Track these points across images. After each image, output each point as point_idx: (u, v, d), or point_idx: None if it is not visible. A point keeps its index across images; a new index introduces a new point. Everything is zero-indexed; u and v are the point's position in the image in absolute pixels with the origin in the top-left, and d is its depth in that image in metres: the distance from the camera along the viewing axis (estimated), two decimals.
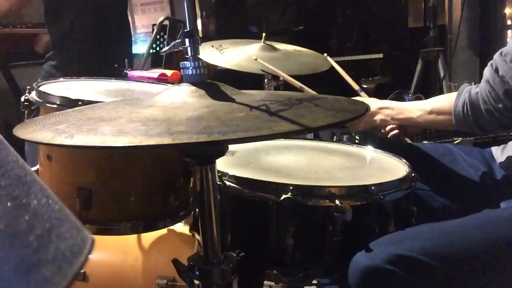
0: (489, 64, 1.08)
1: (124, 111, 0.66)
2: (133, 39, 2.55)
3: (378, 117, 1.29)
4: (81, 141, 0.54)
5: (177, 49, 0.74)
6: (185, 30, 0.72)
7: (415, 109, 1.25)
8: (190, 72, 0.72)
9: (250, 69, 1.54)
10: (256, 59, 1.53)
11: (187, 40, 0.72)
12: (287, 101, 0.67)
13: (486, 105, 1.07)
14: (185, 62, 0.72)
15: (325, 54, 1.71)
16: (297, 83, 1.45)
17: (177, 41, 0.73)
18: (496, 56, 1.06)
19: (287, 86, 1.74)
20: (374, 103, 1.30)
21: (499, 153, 1.22)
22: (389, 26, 3.50)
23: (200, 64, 0.72)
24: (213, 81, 0.73)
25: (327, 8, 3.73)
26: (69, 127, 0.59)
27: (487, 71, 1.08)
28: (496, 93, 1.04)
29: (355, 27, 3.64)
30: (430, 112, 1.20)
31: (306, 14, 3.73)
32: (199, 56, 0.72)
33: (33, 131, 0.61)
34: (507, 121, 1.07)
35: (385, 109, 1.28)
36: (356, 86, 1.53)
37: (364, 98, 1.41)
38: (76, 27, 2.07)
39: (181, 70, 0.72)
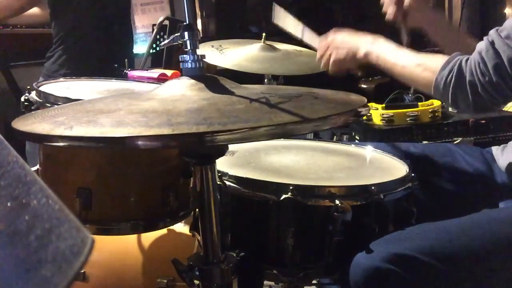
0: (485, 37, 1.05)
1: (123, 103, 0.65)
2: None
3: (365, 48, 1.22)
4: (81, 132, 0.54)
5: (177, 43, 0.73)
6: (184, 24, 0.71)
7: (404, 56, 1.17)
8: (189, 66, 0.71)
9: (250, 69, 1.54)
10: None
11: (186, 34, 0.71)
12: (287, 94, 0.67)
13: (472, 76, 1.03)
14: (184, 56, 0.72)
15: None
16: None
17: (176, 34, 0.73)
18: (492, 31, 1.03)
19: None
20: (365, 36, 1.23)
21: (500, 153, 1.22)
22: (389, 26, 3.49)
23: (199, 58, 0.72)
24: (213, 75, 0.72)
25: (327, 8, 3.73)
26: (68, 119, 0.59)
27: (482, 43, 1.04)
28: (485, 65, 1.01)
29: (355, 27, 3.63)
30: (418, 65, 1.13)
31: (306, 14, 3.73)
32: (198, 49, 0.72)
33: (32, 124, 0.60)
34: (487, 98, 1.02)
35: (374, 45, 1.22)
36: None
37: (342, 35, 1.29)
38: (80, 23, 2.08)
39: (180, 64, 0.72)
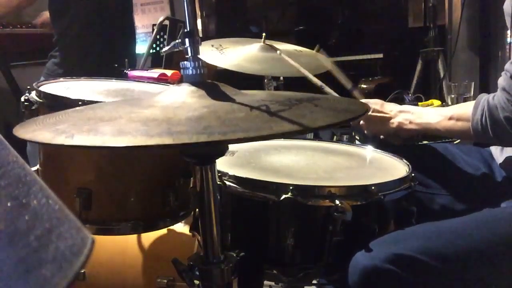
0: (502, 73, 1.06)
1: (124, 111, 0.66)
2: None
3: (396, 120, 1.25)
4: (82, 141, 0.54)
5: (177, 49, 0.74)
6: (185, 30, 0.72)
7: (435, 114, 1.21)
8: (190, 72, 0.71)
9: (250, 70, 1.54)
10: (280, 53, 1.51)
11: (187, 40, 0.72)
12: (287, 101, 0.67)
13: (505, 112, 1.03)
14: (185, 62, 0.72)
15: (318, 46, 1.62)
16: (318, 82, 1.42)
17: (177, 41, 0.73)
18: (508, 65, 1.05)
19: (288, 87, 1.74)
20: (393, 107, 1.28)
21: (499, 152, 1.22)
22: (389, 26, 3.50)
23: (200, 64, 0.72)
24: (213, 81, 0.73)
25: (327, 8, 3.73)
26: (69, 127, 0.59)
27: (502, 80, 1.05)
28: None
29: (355, 27, 3.64)
30: (450, 118, 1.17)
31: (306, 14, 3.73)
32: (199, 56, 0.72)
33: (33, 131, 0.61)
34: None
35: (405, 113, 1.25)
36: (349, 84, 1.50)
37: (378, 101, 1.34)
38: (76, 23, 2.08)
39: (181, 70, 0.72)
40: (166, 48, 0.77)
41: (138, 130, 0.56)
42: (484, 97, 1.10)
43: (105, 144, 0.53)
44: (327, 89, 1.35)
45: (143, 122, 0.59)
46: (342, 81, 1.50)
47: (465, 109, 1.14)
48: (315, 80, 1.40)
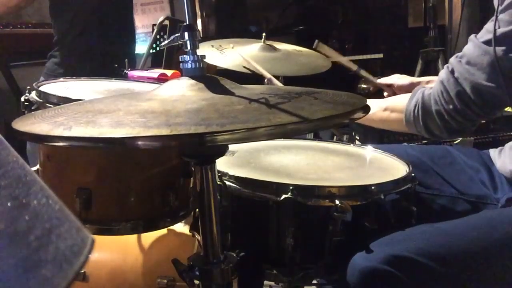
0: (445, 66, 1.09)
1: (122, 104, 0.66)
2: None
3: None
4: (79, 133, 0.54)
5: (177, 43, 0.73)
6: (184, 24, 0.71)
7: (371, 105, 1.24)
8: (190, 66, 0.71)
9: (249, 71, 1.54)
10: (232, 46, 1.52)
11: (186, 34, 0.71)
12: (287, 95, 0.67)
13: (437, 105, 1.06)
14: (184, 56, 0.72)
15: (316, 41, 1.66)
16: (268, 75, 1.43)
17: (176, 35, 0.73)
18: (452, 58, 1.08)
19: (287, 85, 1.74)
20: None
21: (497, 155, 1.22)
22: (389, 26, 3.50)
23: (200, 58, 0.72)
24: (212, 75, 0.72)
25: (327, 8, 3.72)
26: (67, 120, 0.59)
27: (443, 72, 1.08)
28: (448, 94, 1.05)
29: (355, 27, 3.63)
30: (385, 109, 1.20)
31: (306, 14, 3.72)
32: (198, 49, 0.72)
33: (32, 124, 0.60)
34: (455, 124, 1.07)
35: None
36: (354, 66, 1.52)
37: None
38: (77, 23, 2.08)
39: (180, 64, 0.72)
40: (166, 42, 0.77)
41: (136, 122, 0.55)
42: (420, 89, 1.13)
43: (102, 135, 0.53)
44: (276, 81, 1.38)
45: (141, 114, 0.58)
46: (348, 65, 1.52)
47: (400, 101, 1.18)
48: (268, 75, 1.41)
